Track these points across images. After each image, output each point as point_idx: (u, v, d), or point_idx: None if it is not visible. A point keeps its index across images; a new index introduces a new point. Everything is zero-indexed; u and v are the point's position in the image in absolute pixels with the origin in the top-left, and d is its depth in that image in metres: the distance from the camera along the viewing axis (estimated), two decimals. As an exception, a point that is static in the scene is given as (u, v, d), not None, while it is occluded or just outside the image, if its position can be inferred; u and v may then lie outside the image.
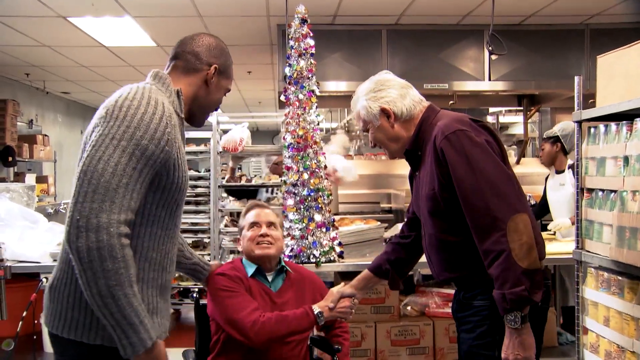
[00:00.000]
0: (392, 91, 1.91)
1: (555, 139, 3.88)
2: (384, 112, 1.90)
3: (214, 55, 1.67)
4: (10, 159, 6.62)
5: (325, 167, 2.89)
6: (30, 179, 7.08)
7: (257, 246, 2.19)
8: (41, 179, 7.77)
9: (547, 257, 2.91)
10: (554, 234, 3.67)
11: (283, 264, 2.26)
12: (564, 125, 3.89)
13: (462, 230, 1.74)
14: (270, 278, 2.22)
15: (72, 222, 1.35)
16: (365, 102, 1.92)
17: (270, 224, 2.24)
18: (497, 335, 1.70)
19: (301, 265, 2.43)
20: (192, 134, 5.63)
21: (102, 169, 1.36)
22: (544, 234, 3.70)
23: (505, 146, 1.88)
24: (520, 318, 1.60)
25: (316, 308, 2.08)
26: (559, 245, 3.15)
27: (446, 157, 1.72)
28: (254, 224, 2.24)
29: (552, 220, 3.90)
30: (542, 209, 4.22)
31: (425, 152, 1.85)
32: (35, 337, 1.65)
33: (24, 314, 2.52)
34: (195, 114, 1.70)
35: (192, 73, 1.65)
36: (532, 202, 5.16)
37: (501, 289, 1.61)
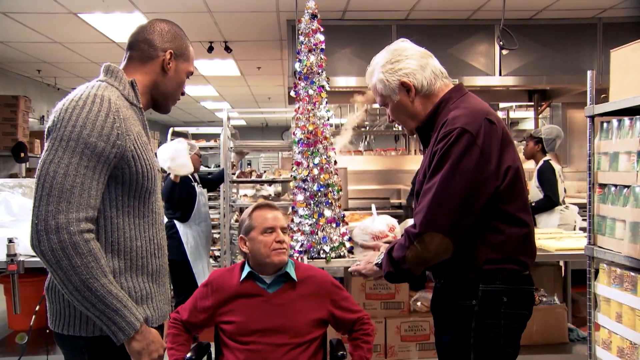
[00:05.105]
0: (411, 62, 1.73)
1: (538, 140, 4.32)
2: (404, 86, 1.74)
3: (167, 40, 1.63)
4: (22, 154, 6.66)
5: (336, 162, 2.88)
6: (42, 174, 7.13)
7: (275, 252, 2.07)
8: (52, 175, 7.80)
9: (559, 252, 2.95)
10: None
11: (288, 270, 2.13)
12: (551, 130, 4.35)
13: None
14: (268, 280, 2.12)
15: (33, 228, 1.39)
16: (382, 75, 1.75)
17: (283, 229, 2.14)
18: (471, 339, 1.67)
19: (313, 267, 2.30)
20: (202, 129, 5.64)
21: (53, 171, 1.39)
22: (552, 231, 3.69)
23: (514, 141, 1.79)
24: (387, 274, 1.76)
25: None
26: (570, 242, 3.13)
27: (439, 143, 1.62)
28: (269, 229, 2.10)
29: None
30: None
31: (434, 134, 1.73)
32: (48, 330, 1.67)
33: (37, 308, 2.55)
34: (159, 100, 1.68)
35: (147, 61, 1.62)
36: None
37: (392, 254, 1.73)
